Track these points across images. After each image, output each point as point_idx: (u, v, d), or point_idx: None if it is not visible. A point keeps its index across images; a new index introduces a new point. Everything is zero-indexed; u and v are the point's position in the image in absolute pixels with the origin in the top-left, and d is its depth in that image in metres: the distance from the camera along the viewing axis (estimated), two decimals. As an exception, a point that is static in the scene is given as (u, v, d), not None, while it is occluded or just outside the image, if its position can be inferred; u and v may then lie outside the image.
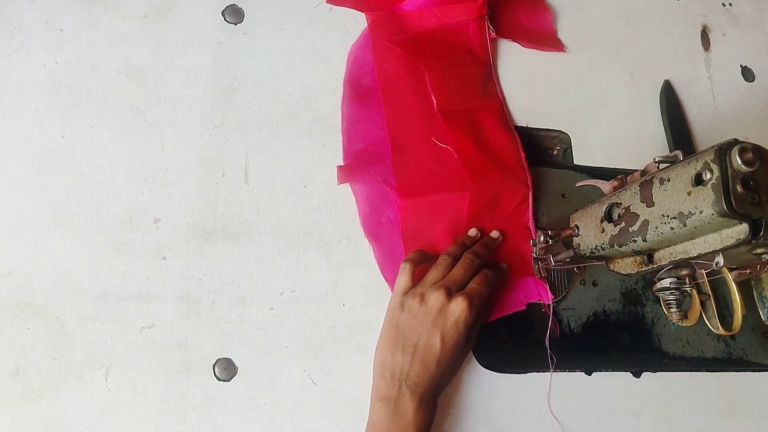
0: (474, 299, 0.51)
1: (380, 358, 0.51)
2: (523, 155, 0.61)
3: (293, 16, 0.63)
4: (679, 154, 0.47)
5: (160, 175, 0.55)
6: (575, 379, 0.59)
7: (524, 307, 0.58)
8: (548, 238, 0.57)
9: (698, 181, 0.43)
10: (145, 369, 0.51)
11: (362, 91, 0.61)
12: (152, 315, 0.52)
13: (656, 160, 0.49)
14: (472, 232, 0.58)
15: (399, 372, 0.49)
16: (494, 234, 0.59)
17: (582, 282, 0.61)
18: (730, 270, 0.57)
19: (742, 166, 0.40)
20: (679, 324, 0.57)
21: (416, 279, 0.53)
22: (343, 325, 0.55)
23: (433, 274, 0.53)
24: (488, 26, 0.66)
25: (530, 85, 0.67)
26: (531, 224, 0.60)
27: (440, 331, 0.50)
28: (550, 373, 0.57)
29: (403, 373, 0.49)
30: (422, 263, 0.55)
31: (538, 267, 0.59)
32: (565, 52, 0.68)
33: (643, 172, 0.50)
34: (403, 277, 0.53)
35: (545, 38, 0.69)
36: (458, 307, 0.50)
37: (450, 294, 0.50)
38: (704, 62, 0.74)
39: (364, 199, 0.58)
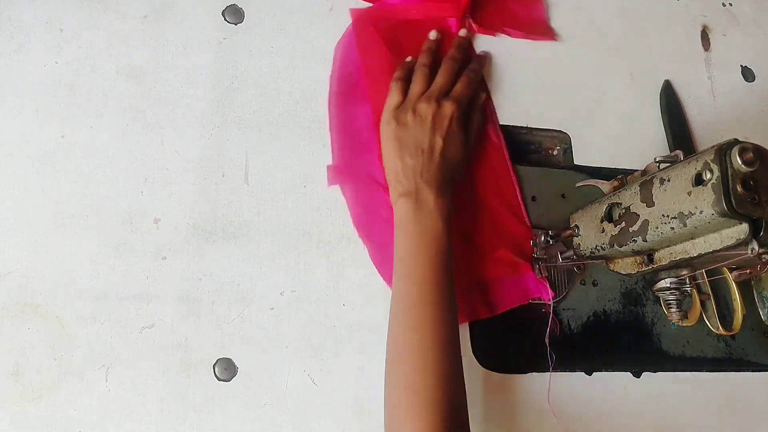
0: (461, 100, 0.57)
1: (392, 166, 0.55)
2: (506, 153, 0.62)
3: (293, 16, 0.62)
4: (680, 154, 0.47)
5: (160, 175, 0.55)
6: (575, 379, 0.59)
7: (527, 302, 0.58)
8: (548, 238, 0.57)
9: (698, 181, 0.43)
10: (145, 369, 0.51)
11: (348, 89, 0.61)
12: (152, 315, 0.52)
13: (657, 160, 0.49)
14: (432, 34, 0.62)
15: (412, 172, 0.53)
16: (462, 32, 0.63)
17: (582, 282, 0.61)
18: (730, 270, 0.57)
19: (742, 166, 0.40)
20: (679, 324, 0.57)
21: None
22: (344, 325, 0.55)
23: (417, 87, 0.57)
24: (470, 23, 0.65)
25: (530, 85, 0.67)
26: (524, 212, 0.61)
27: (438, 131, 0.54)
28: (549, 373, 0.57)
29: (416, 172, 0.53)
30: (408, 76, 0.59)
31: (539, 267, 0.59)
32: (556, 40, 0.68)
33: (644, 172, 0.51)
34: (394, 94, 0.57)
35: (536, 27, 0.68)
36: (448, 109, 0.55)
37: (437, 100, 0.55)
38: (704, 62, 0.74)
39: (355, 200, 0.58)
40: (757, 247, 0.42)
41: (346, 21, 0.64)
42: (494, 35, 0.66)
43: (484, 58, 0.63)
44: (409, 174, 0.53)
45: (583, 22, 0.72)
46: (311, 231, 0.57)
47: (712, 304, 0.60)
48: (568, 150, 0.66)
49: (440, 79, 0.58)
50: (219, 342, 0.52)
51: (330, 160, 0.59)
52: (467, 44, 0.63)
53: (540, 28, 0.68)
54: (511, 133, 0.65)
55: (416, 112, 0.55)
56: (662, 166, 0.48)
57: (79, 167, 0.54)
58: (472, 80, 0.59)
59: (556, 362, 0.58)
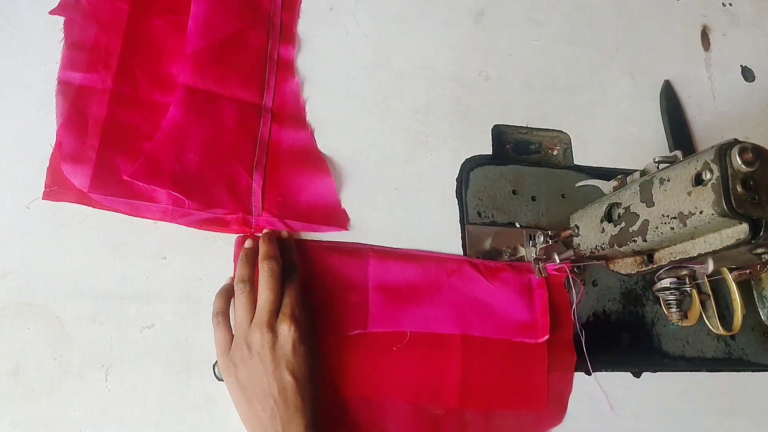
0: (296, 314, 0.48)
1: (246, 418, 0.48)
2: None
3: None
4: (679, 154, 0.47)
5: (160, 175, 0.55)
6: (575, 379, 0.59)
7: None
8: (548, 238, 0.57)
9: (698, 181, 0.43)
10: (145, 369, 0.51)
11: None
12: (152, 315, 0.52)
13: (656, 160, 0.49)
14: (248, 243, 0.53)
15: (271, 423, 0.46)
16: (284, 233, 0.54)
17: (582, 282, 0.61)
18: (730, 270, 0.57)
19: (742, 166, 0.40)
20: (679, 324, 0.57)
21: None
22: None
23: (241, 313, 0.49)
24: (256, 220, 0.55)
25: (530, 85, 0.67)
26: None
27: (285, 366, 0.47)
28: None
29: (275, 424, 0.46)
30: (229, 304, 0.51)
31: (539, 268, 0.59)
32: (348, 230, 0.57)
33: (643, 172, 0.50)
34: (219, 333, 0.50)
35: (325, 213, 0.57)
36: (286, 333, 0.47)
37: (271, 326, 0.47)
38: (704, 62, 0.74)
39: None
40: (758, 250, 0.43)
41: (347, 21, 0.64)
42: (278, 230, 0.55)
43: (292, 243, 0.54)
44: (266, 430, 0.46)
45: (583, 22, 0.72)
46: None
47: (712, 304, 0.60)
48: (568, 150, 0.66)
49: (264, 294, 0.48)
50: (219, 342, 0.52)
51: (331, 160, 0.59)
52: (275, 236, 0.53)
53: (329, 215, 0.57)
54: (511, 132, 0.65)
55: (249, 347, 0.47)
56: (661, 166, 0.48)
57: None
58: (298, 280, 0.51)
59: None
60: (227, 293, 0.52)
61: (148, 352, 0.51)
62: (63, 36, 0.55)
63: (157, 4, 0.58)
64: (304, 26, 0.62)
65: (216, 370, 0.52)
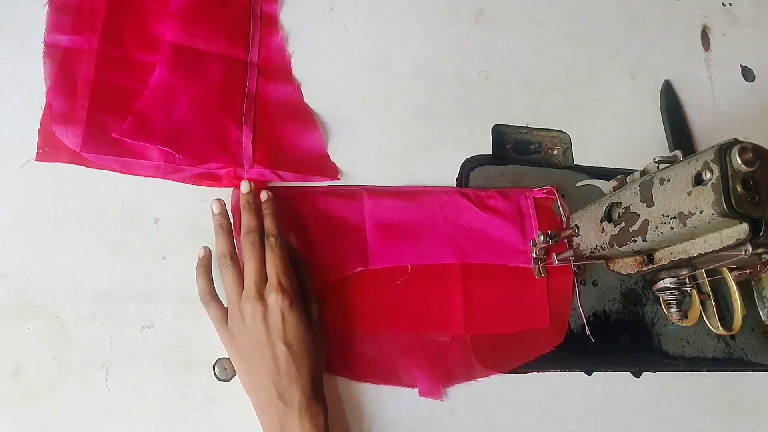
0: (282, 282, 0.48)
1: (248, 390, 0.49)
2: None
3: (293, 15, 0.62)
4: (679, 154, 0.47)
5: (160, 175, 0.55)
6: (575, 379, 0.59)
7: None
8: (548, 238, 0.57)
9: (698, 181, 0.43)
10: (145, 369, 0.51)
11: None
12: (152, 315, 0.52)
13: (656, 160, 0.49)
14: (215, 207, 0.53)
15: (267, 394, 0.47)
16: (244, 187, 0.53)
17: (582, 282, 0.61)
18: (730, 270, 0.57)
19: (742, 166, 0.40)
20: (679, 324, 0.57)
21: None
22: (343, 325, 0.55)
23: (230, 286, 0.49)
24: (247, 171, 0.55)
25: (530, 85, 0.67)
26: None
27: (277, 336, 0.47)
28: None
29: (272, 396, 0.47)
30: (211, 281, 0.52)
31: (539, 267, 0.59)
32: (339, 180, 0.58)
33: (643, 172, 0.51)
34: (212, 311, 0.50)
35: (314, 164, 0.58)
36: (275, 303, 0.47)
37: (261, 296, 0.47)
38: (704, 62, 0.74)
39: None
40: (751, 249, 0.42)
41: (347, 21, 0.64)
42: (270, 181, 0.56)
43: (275, 207, 0.52)
44: (266, 400, 0.47)
45: (583, 22, 0.72)
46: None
47: (712, 304, 0.60)
48: (568, 150, 0.66)
49: (250, 266, 0.48)
50: (219, 342, 0.52)
51: (331, 159, 0.59)
52: (254, 200, 0.52)
53: (319, 166, 0.58)
54: (511, 132, 0.65)
55: (243, 317, 0.48)
56: (661, 166, 0.48)
57: (79, 167, 0.54)
58: (281, 249, 0.50)
59: (556, 362, 0.58)
60: (206, 270, 0.52)
61: (148, 352, 0.51)
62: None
63: None
64: (304, 26, 0.62)
65: (216, 370, 0.52)
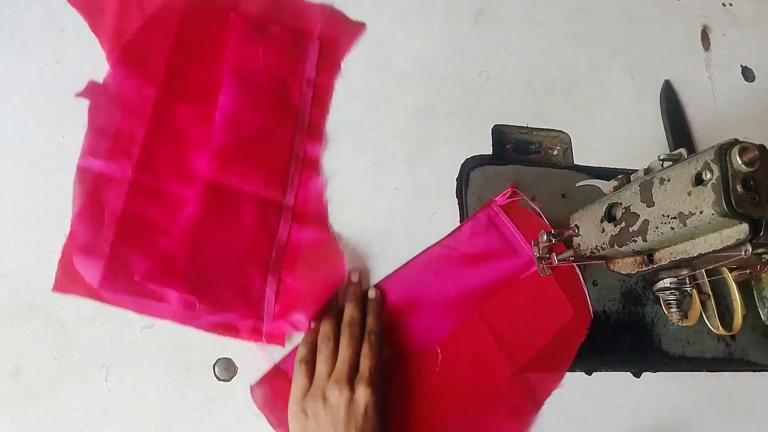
0: (374, 379, 0.48)
1: None
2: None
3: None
4: (684, 152, 0.47)
5: (160, 175, 0.55)
6: (575, 379, 0.59)
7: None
8: (551, 237, 0.57)
9: (698, 181, 0.43)
10: (145, 369, 0.51)
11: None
12: (152, 315, 0.52)
13: (661, 158, 0.49)
14: (354, 276, 0.54)
15: None
16: (354, 277, 0.55)
17: (582, 280, 0.61)
18: (730, 270, 0.57)
19: (743, 166, 0.40)
20: (679, 324, 0.57)
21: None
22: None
23: (322, 367, 0.49)
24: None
25: (530, 85, 0.67)
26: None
27: (354, 427, 0.46)
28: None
29: None
30: (313, 353, 0.51)
31: (543, 266, 0.59)
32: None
33: (647, 170, 0.50)
34: (299, 379, 0.50)
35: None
36: (363, 396, 0.47)
37: (350, 383, 0.48)
38: (704, 62, 0.74)
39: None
40: (751, 249, 0.42)
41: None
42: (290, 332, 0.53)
43: (379, 306, 0.54)
44: None
45: (583, 22, 0.72)
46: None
47: (712, 304, 0.60)
48: (568, 150, 0.66)
49: (345, 353, 0.49)
50: (219, 342, 0.52)
51: (331, 160, 0.59)
52: (361, 292, 0.54)
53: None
54: (511, 132, 0.65)
55: (327, 400, 0.47)
56: (666, 164, 0.48)
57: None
58: (377, 345, 0.51)
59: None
60: (312, 343, 0.52)
61: (148, 352, 0.51)
62: (87, 121, 0.53)
63: (185, 91, 0.55)
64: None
65: (216, 370, 0.52)
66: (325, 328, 0.52)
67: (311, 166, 0.58)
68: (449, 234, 0.59)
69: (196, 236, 0.52)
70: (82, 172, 0.52)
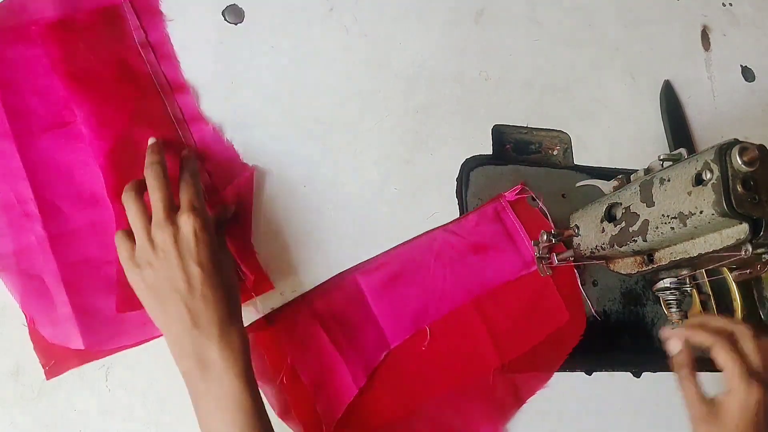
0: (195, 204, 0.45)
1: (160, 324, 0.46)
2: None
3: (293, 16, 0.62)
4: (684, 152, 0.47)
5: (160, 175, 0.55)
6: (575, 379, 0.59)
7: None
8: (551, 237, 0.57)
9: (698, 180, 0.43)
10: (145, 369, 0.51)
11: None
12: (152, 315, 0.52)
13: (661, 158, 0.49)
14: (151, 140, 0.50)
15: (181, 324, 0.44)
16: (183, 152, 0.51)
17: (582, 282, 0.61)
18: (730, 270, 0.57)
19: (743, 166, 0.40)
20: (679, 324, 0.57)
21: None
22: (343, 325, 0.55)
23: (135, 218, 0.46)
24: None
25: (530, 85, 0.67)
26: None
27: (190, 256, 0.44)
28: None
29: (185, 323, 0.44)
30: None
31: (543, 266, 0.59)
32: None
33: (648, 170, 0.51)
34: (123, 243, 0.46)
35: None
36: (186, 224, 0.44)
37: (170, 219, 0.45)
38: (704, 62, 0.74)
39: None
40: (751, 249, 0.42)
41: (347, 21, 0.64)
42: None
43: (193, 155, 0.52)
44: (179, 328, 0.44)
45: (583, 22, 0.72)
46: (311, 231, 0.57)
47: (712, 304, 0.60)
48: (568, 150, 0.66)
49: (155, 195, 0.46)
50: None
51: (331, 160, 0.59)
52: (158, 144, 0.50)
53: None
54: (511, 132, 0.65)
55: (154, 245, 0.45)
56: (666, 164, 0.48)
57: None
58: (191, 168, 0.49)
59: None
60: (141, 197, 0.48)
61: (148, 352, 0.51)
62: None
63: (38, 123, 0.52)
64: (304, 26, 0.62)
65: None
66: (127, 188, 0.47)
67: (194, 119, 0.56)
68: (454, 220, 0.60)
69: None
70: (1, 260, 0.49)
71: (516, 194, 0.60)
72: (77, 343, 0.49)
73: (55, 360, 0.49)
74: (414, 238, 0.58)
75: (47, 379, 0.49)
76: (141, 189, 0.47)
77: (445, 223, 0.60)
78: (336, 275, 0.56)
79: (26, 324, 0.49)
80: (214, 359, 0.44)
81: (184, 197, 0.46)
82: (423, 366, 0.55)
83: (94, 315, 0.49)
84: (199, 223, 0.45)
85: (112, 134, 0.51)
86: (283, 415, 0.52)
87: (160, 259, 0.44)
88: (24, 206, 0.50)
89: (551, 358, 0.58)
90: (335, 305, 0.55)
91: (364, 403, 0.53)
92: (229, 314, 0.45)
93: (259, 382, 0.47)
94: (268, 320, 0.53)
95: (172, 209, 0.46)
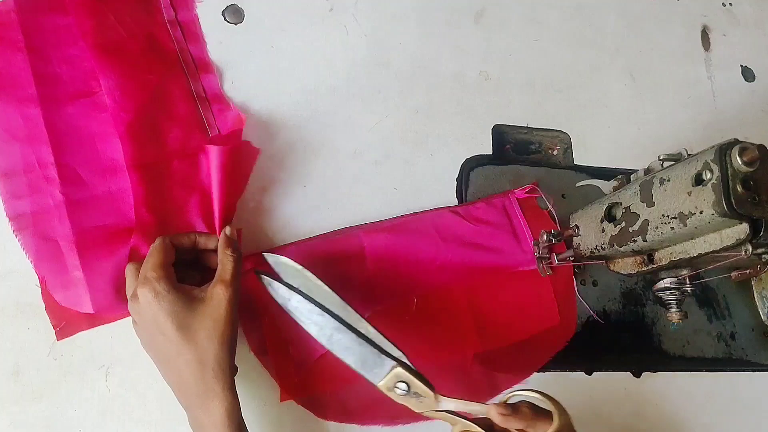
0: (147, 278, 0.45)
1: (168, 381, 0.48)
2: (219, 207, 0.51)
3: (293, 16, 0.62)
4: (684, 151, 0.47)
5: (160, 175, 0.55)
6: (575, 379, 0.59)
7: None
8: (551, 237, 0.57)
9: (698, 181, 0.43)
10: (145, 369, 0.50)
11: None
12: (152, 315, 0.52)
13: (661, 158, 0.49)
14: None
15: (177, 391, 0.47)
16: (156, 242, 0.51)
17: (582, 282, 0.61)
18: (730, 270, 0.57)
19: (742, 166, 0.40)
20: (680, 324, 0.57)
21: None
22: (343, 325, 0.55)
23: (126, 290, 0.48)
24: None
25: (530, 85, 0.67)
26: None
27: (156, 329, 0.45)
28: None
29: (176, 390, 0.47)
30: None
31: (542, 266, 0.59)
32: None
33: (648, 170, 0.51)
34: (130, 282, 0.49)
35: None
36: (144, 300, 0.45)
37: (134, 295, 0.46)
38: (704, 62, 0.74)
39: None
40: (751, 249, 0.43)
41: (347, 21, 0.64)
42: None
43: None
44: (179, 397, 0.47)
45: (583, 22, 0.72)
46: (312, 231, 0.57)
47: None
48: (568, 150, 0.66)
49: (128, 269, 0.49)
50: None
51: (331, 160, 0.59)
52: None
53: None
54: (511, 132, 0.65)
55: (133, 318, 0.47)
56: (666, 164, 0.48)
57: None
58: (160, 244, 0.48)
59: (556, 362, 0.58)
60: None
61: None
62: None
63: (64, 92, 0.53)
64: (304, 26, 0.62)
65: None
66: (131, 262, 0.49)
67: (216, 99, 0.57)
68: (462, 204, 0.60)
69: (151, 220, 0.51)
70: (18, 220, 0.50)
71: (526, 192, 0.61)
72: (87, 306, 0.49)
73: (66, 321, 0.49)
74: (422, 211, 0.59)
75: (58, 339, 0.49)
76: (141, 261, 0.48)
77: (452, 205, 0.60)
78: (341, 229, 0.57)
79: (38, 285, 0.50)
80: (201, 422, 0.45)
81: (141, 269, 0.46)
82: (403, 333, 0.55)
83: (105, 281, 0.50)
84: (151, 294, 0.45)
85: (134, 107, 0.52)
86: (258, 352, 0.52)
87: (140, 328, 0.47)
88: (45, 170, 0.51)
89: (532, 358, 0.57)
90: (333, 256, 0.55)
91: (337, 358, 0.53)
92: (206, 382, 0.45)
93: (240, 318, 0.48)
94: (256, 263, 0.53)
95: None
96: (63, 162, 0.51)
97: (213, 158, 0.51)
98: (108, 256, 0.50)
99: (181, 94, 0.55)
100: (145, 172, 0.52)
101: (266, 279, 0.47)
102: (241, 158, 0.55)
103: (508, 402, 0.44)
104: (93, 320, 0.50)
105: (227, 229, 0.50)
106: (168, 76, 0.55)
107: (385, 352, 0.45)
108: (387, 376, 0.45)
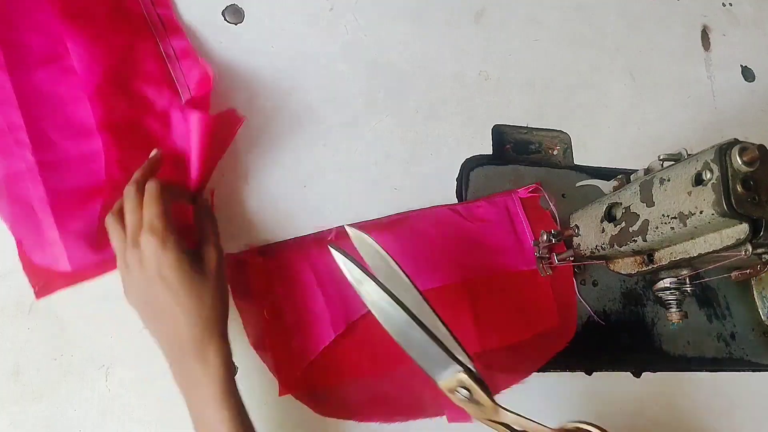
0: (154, 225, 0.45)
1: (154, 338, 0.48)
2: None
3: (293, 16, 0.62)
4: (684, 151, 0.47)
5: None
6: (575, 379, 0.59)
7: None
8: (551, 237, 0.57)
9: (698, 180, 0.43)
10: (145, 369, 0.51)
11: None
12: (152, 315, 0.52)
13: (661, 158, 0.49)
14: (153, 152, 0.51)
15: (167, 343, 0.47)
16: (153, 153, 0.51)
17: (582, 282, 0.61)
18: (730, 270, 0.57)
19: (742, 166, 0.40)
20: (680, 324, 0.57)
21: None
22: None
23: (114, 241, 0.47)
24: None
25: (530, 85, 0.67)
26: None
27: (158, 278, 0.45)
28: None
29: (166, 342, 0.46)
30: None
31: (542, 266, 0.59)
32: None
33: (648, 170, 0.51)
34: (114, 233, 0.48)
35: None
36: (149, 247, 0.45)
37: (137, 242, 0.45)
38: (704, 62, 0.74)
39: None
40: (751, 249, 0.42)
41: (347, 21, 0.64)
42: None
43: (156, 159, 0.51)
44: (168, 350, 0.47)
45: (583, 22, 0.72)
46: (312, 230, 0.57)
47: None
48: (568, 150, 0.66)
49: (128, 217, 0.47)
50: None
51: (331, 160, 0.59)
52: (151, 164, 0.50)
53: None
54: (511, 132, 0.65)
55: (126, 264, 0.46)
56: (666, 164, 0.48)
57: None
58: (157, 190, 0.47)
59: (556, 362, 0.58)
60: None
61: (148, 352, 0.51)
62: None
63: (32, 57, 0.53)
64: (304, 26, 0.62)
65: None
66: (111, 212, 0.49)
67: (186, 56, 0.57)
68: (463, 202, 0.60)
69: (123, 177, 0.50)
70: None
71: (529, 192, 0.61)
72: (64, 265, 0.49)
73: (44, 281, 0.50)
74: (420, 209, 0.59)
75: (37, 299, 0.50)
76: (122, 212, 0.48)
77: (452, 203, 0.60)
78: (340, 226, 0.56)
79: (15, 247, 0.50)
80: (195, 375, 0.45)
81: (145, 217, 0.46)
82: None
83: (80, 239, 0.50)
84: (158, 241, 0.45)
85: (102, 69, 0.53)
86: (257, 346, 0.52)
87: (134, 278, 0.46)
88: (15, 134, 0.51)
89: (531, 359, 0.57)
90: (327, 257, 0.55)
91: (338, 354, 0.53)
92: (204, 332, 0.45)
93: (240, 311, 0.48)
94: (261, 252, 0.54)
95: (139, 230, 0.46)
96: (33, 125, 0.51)
97: (194, 125, 0.50)
98: (82, 216, 0.50)
99: (149, 54, 0.56)
100: (116, 131, 0.52)
101: (340, 256, 0.45)
102: (223, 125, 0.54)
103: (566, 428, 0.43)
104: (70, 278, 0.50)
105: (204, 194, 0.51)
106: (136, 37, 0.56)
107: (453, 356, 0.44)
108: (450, 378, 0.44)
